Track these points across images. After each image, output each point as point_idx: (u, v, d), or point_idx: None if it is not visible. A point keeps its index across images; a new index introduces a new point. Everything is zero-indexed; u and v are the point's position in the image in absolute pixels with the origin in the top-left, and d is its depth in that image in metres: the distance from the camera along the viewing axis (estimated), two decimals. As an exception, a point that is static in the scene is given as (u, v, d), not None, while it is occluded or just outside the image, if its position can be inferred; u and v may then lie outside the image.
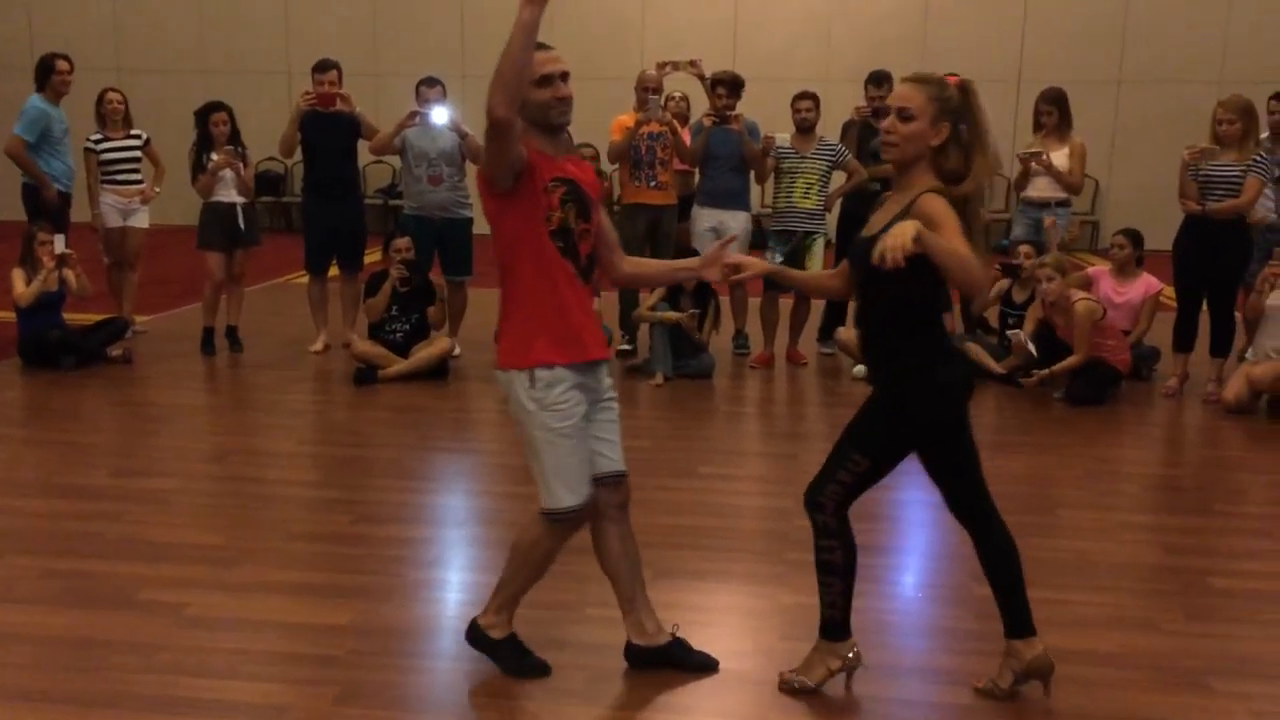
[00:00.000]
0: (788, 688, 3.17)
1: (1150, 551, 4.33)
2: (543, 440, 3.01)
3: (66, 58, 7.53)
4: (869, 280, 2.98)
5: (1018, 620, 3.13)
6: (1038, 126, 7.34)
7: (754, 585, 3.90)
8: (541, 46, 2.88)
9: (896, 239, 2.59)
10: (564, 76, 2.97)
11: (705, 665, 3.29)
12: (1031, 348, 6.63)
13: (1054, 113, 7.21)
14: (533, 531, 3.15)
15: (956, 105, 2.89)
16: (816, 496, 3.11)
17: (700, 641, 3.38)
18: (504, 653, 3.26)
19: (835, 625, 3.16)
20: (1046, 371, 6.56)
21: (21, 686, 3.17)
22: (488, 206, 3.02)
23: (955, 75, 2.94)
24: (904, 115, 2.87)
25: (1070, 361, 6.46)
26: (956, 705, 3.15)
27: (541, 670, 3.24)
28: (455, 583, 4.00)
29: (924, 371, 2.99)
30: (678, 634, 3.31)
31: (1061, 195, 7.26)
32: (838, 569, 3.14)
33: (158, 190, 7.82)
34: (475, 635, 3.29)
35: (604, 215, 3.22)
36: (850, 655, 3.17)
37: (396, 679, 3.24)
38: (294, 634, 3.49)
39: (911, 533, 4.59)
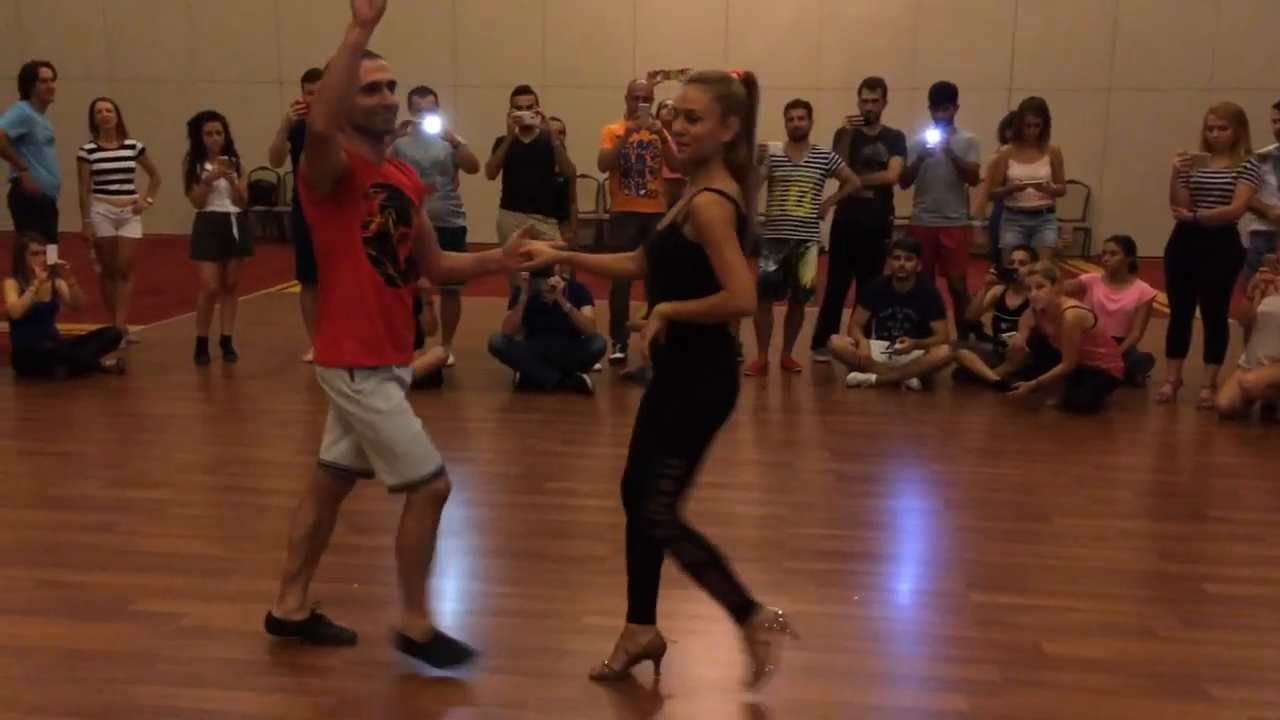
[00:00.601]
0: (761, 681, 3.17)
1: (1145, 558, 4.34)
2: (379, 422, 3.11)
3: (49, 65, 7.53)
4: (659, 278, 3.10)
5: (643, 606, 3.24)
6: (1017, 137, 7.44)
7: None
8: (369, 55, 2.97)
9: (644, 341, 2.97)
10: (390, 85, 3.10)
11: (342, 638, 3.42)
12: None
13: (1039, 123, 7.29)
14: (404, 523, 3.21)
15: (743, 100, 2.95)
16: (651, 515, 3.09)
17: (698, 650, 3.39)
18: (434, 652, 3.27)
19: (743, 606, 3.15)
20: (1034, 382, 6.55)
21: (18, 699, 3.15)
22: (308, 211, 3.11)
23: (740, 70, 3.03)
24: (691, 117, 2.94)
25: (1059, 369, 6.46)
26: (953, 712, 3.15)
27: (470, 653, 3.28)
28: (451, 592, 3.99)
29: (710, 357, 3.06)
30: (318, 610, 3.45)
31: (1049, 202, 7.39)
32: (708, 563, 3.13)
33: (150, 201, 7.81)
34: (403, 644, 3.30)
35: (424, 217, 3.35)
36: (777, 617, 3.17)
37: (393, 689, 3.23)
38: (290, 644, 3.47)
39: (906, 540, 4.59)
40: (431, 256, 3.41)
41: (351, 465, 3.31)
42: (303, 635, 3.42)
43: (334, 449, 3.31)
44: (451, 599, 3.94)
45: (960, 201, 7.59)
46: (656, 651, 3.28)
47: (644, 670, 3.32)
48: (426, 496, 3.17)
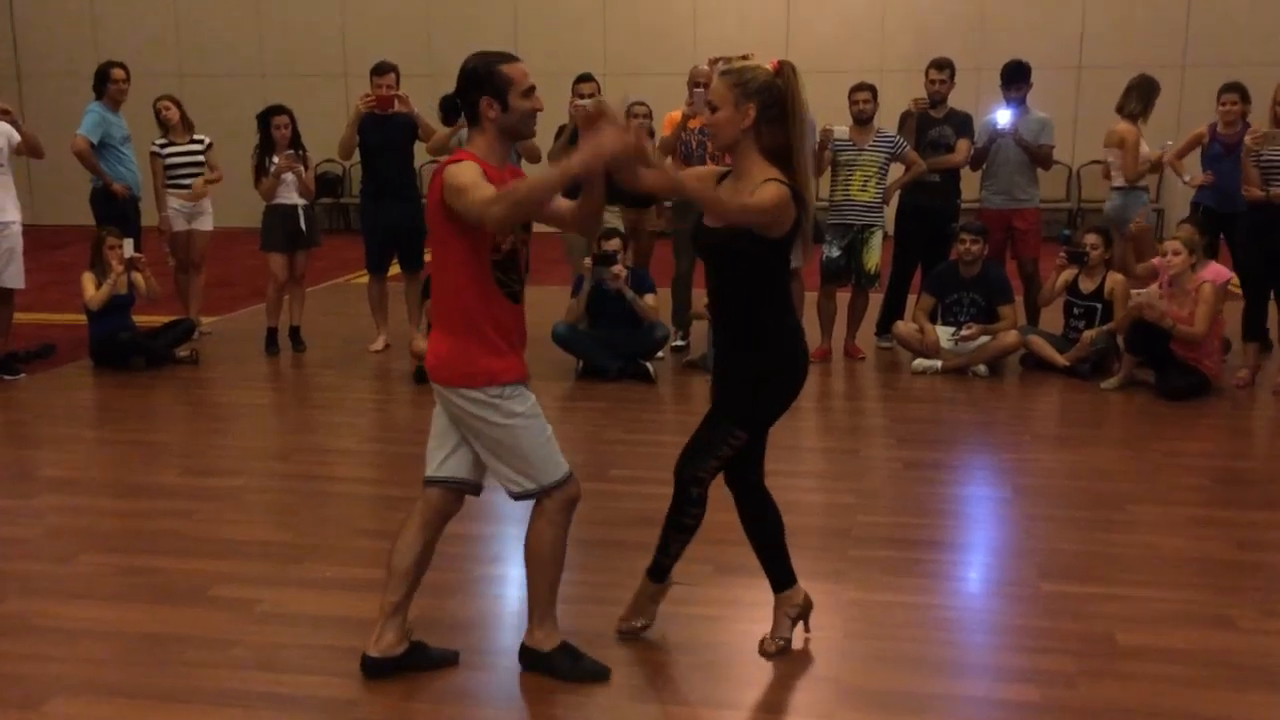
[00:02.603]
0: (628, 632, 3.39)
1: (1223, 547, 4.24)
2: (517, 426, 3.05)
3: (123, 66, 7.68)
4: (715, 266, 3.22)
5: (782, 572, 3.40)
6: (1143, 114, 7.32)
7: (815, 581, 3.87)
8: (513, 59, 3.03)
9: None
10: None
11: (444, 661, 3.29)
12: (1160, 305, 6.23)
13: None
14: (536, 528, 3.16)
15: (760, 86, 3.03)
16: (697, 472, 3.23)
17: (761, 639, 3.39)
18: (559, 661, 3.22)
19: (663, 570, 3.40)
20: (1107, 328, 6.57)
21: (101, 681, 3.25)
22: (440, 231, 3.02)
23: (777, 61, 3.11)
24: (711, 107, 3.11)
25: (1190, 331, 6.17)
26: (1025, 703, 3.11)
27: (599, 673, 3.22)
28: (517, 578, 4.02)
29: (777, 342, 3.19)
30: (413, 638, 3.29)
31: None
32: (691, 530, 3.33)
33: (208, 181, 7.84)
34: (528, 658, 3.26)
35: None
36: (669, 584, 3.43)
37: (462, 674, 3.27)
38: (363, 630, 3.52)
39: (974, 528, 4.54)
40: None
41: (468, 478, 3.21)
42: (404, 668, 3.22)
43: (446, 464, 3.20)
44: (518, 585, 3.96)
45: (1031, 183, 7.41)
46: (809, 606, 3.44)
47: (709, 656, 3.32)
48: (560, 501, 3.12)
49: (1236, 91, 7.00)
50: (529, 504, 3.17)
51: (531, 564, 3.19)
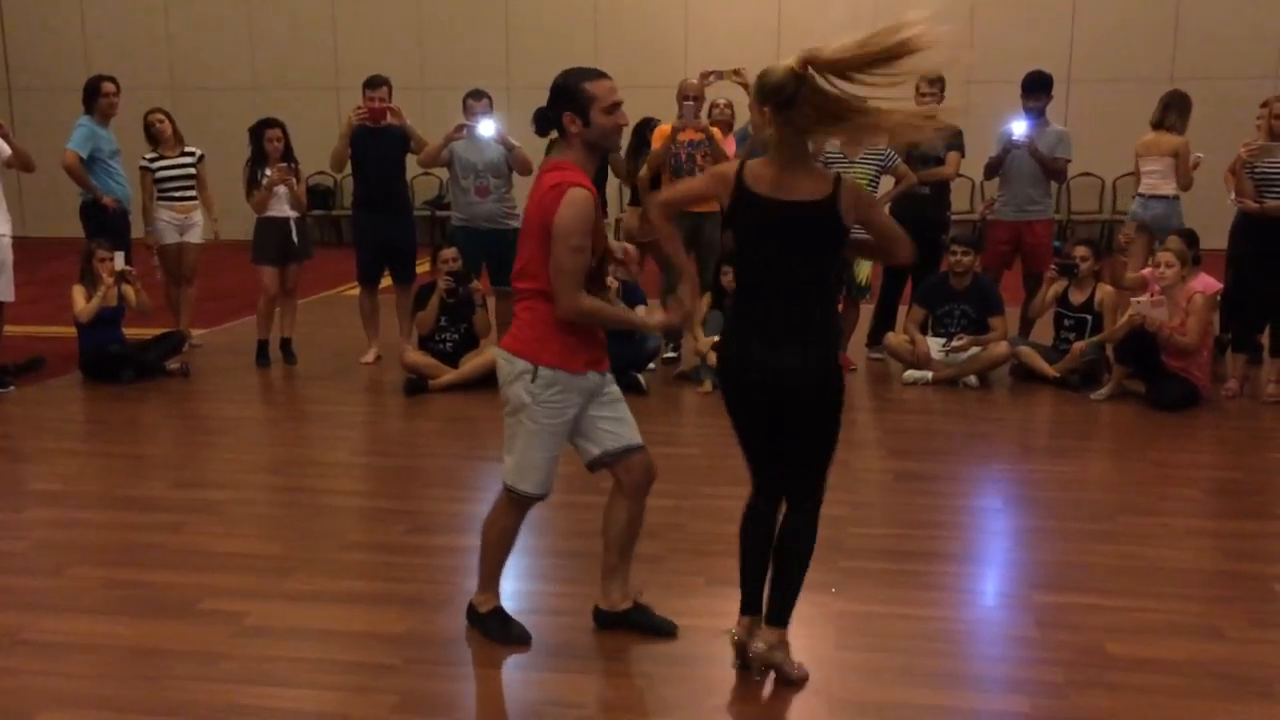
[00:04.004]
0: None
1: (1212, 557, 4.25)
2: (531, 430, 3.27)
3: (113, 79, 7.66)
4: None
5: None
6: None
7: (807, 593, 3.83)
8: (603, 75, 3.17)
9: None
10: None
11: (662, 629, 3.52)
12: (1157, 313, 6.25)
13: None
14: (494, 512, 3.47)
15: (767, 89, 3.07)
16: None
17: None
18: (490, 623, 3.53)
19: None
20: (1097, 338, 6.64)
21: (88, 695, 3.23)
22: (537, 248, 3.17)
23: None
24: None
25: (1184, 341, 6.22)
26: (1016, 713, 3.11)
27: (523, 637, 3.49)
28: (508, 592, 4.01)
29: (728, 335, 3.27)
30: (640, 600, 3.60)
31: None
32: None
33: (215, 221, 7.93)
34: (470, 614, 3.59)
35: None
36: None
37: (453, 688, 3.27)
38: (352, 643, 3.53)
39: (965, 539, 4.53)
40: None
41: (630, 442, 3.39)
42: (629, 625, 3.53)
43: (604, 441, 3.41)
44: (509, 599, 3.95)
45: (1044, 195, 7.41)
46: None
47: (701, 670, 3.32)
48: (518, 504, 3.44)
49: None
50: (532, 513, 3.47)
51: (483, 543, 3.54)
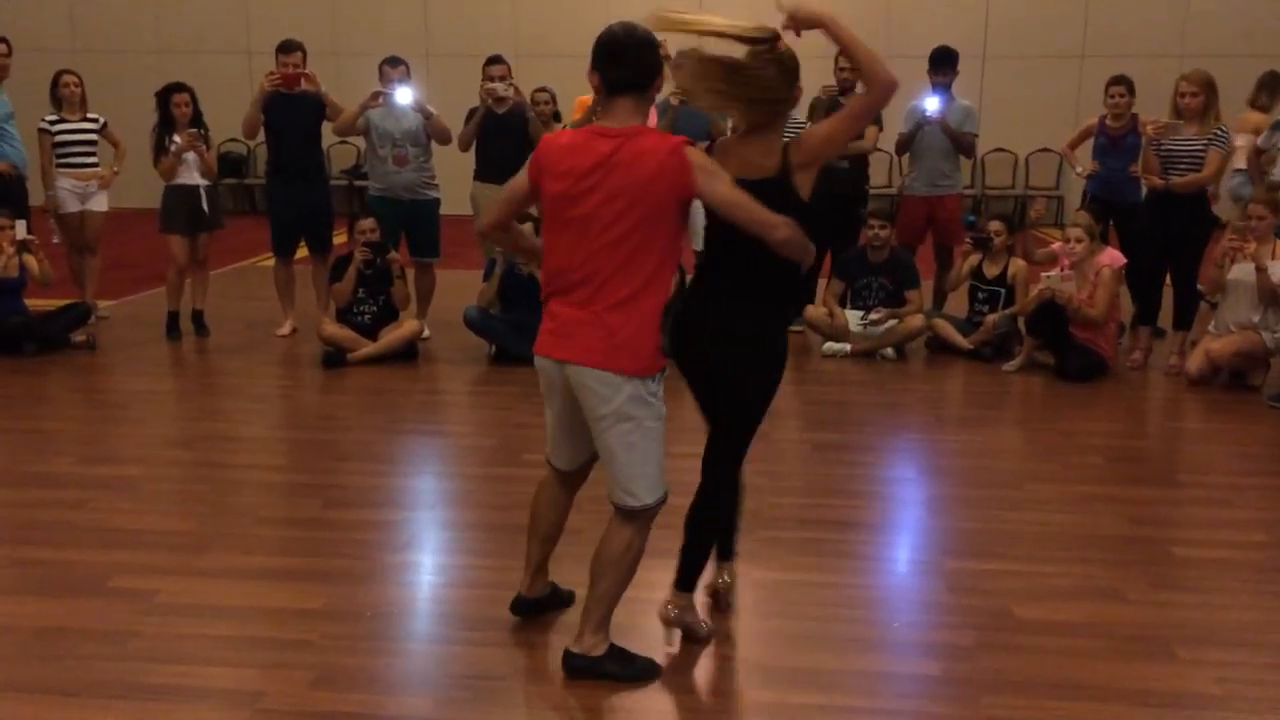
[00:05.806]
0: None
1: (1115, 523, 4.40)
2: (653, 430, 3.02)
3: (5, 40, 7.37)
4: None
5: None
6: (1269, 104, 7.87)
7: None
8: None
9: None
10: None
11: (567, 600, 3.52)
12: (1068, 286, 6.41)
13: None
14: (624, 535, 3.09)
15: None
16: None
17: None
18: (609, 665, 3.15)
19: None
20: (1010, 311, 6.78)
21: (-9, 677, 3.14)
22: (665, 209, 2.97)
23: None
24: None
25: (1092, 313, 6.41)
26: (925, 676, 3.19)
27: (650, 669, 3.18)
28: (429, 565, 4.00)
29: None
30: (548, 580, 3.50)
31: None
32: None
33: (117, 171, 7.71)
34: (576, 664, 3.14)
35: None
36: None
37: (371, 662, 3.24)
38: (267, 619, 3.48)
39: (880, 508, 4.62)
40: None
41: (586, 461, 3.27)
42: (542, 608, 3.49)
43: (561, 456, 3.28)
44: (429, 572, 3.95)
45: (954, 169, 7.53)
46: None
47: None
48: (650, 519, 3.11)
49: (1124, 84, 7.18)
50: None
51: (605, 570, 3.12)
